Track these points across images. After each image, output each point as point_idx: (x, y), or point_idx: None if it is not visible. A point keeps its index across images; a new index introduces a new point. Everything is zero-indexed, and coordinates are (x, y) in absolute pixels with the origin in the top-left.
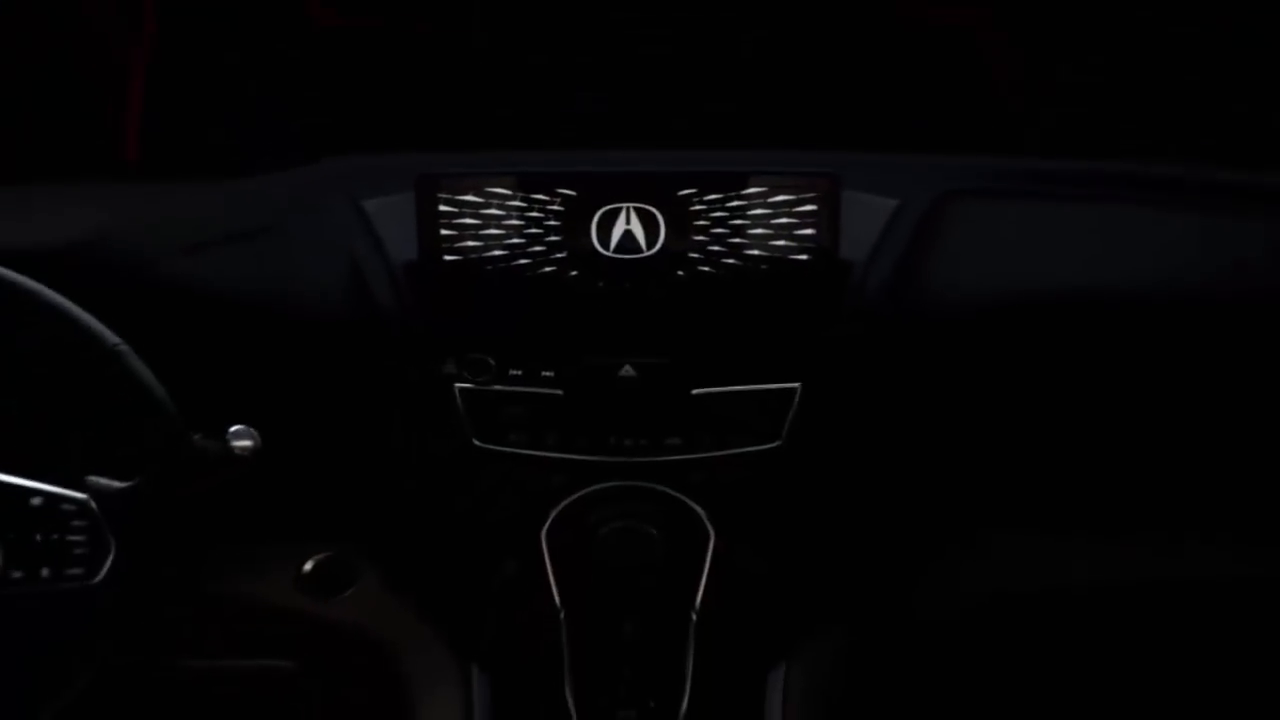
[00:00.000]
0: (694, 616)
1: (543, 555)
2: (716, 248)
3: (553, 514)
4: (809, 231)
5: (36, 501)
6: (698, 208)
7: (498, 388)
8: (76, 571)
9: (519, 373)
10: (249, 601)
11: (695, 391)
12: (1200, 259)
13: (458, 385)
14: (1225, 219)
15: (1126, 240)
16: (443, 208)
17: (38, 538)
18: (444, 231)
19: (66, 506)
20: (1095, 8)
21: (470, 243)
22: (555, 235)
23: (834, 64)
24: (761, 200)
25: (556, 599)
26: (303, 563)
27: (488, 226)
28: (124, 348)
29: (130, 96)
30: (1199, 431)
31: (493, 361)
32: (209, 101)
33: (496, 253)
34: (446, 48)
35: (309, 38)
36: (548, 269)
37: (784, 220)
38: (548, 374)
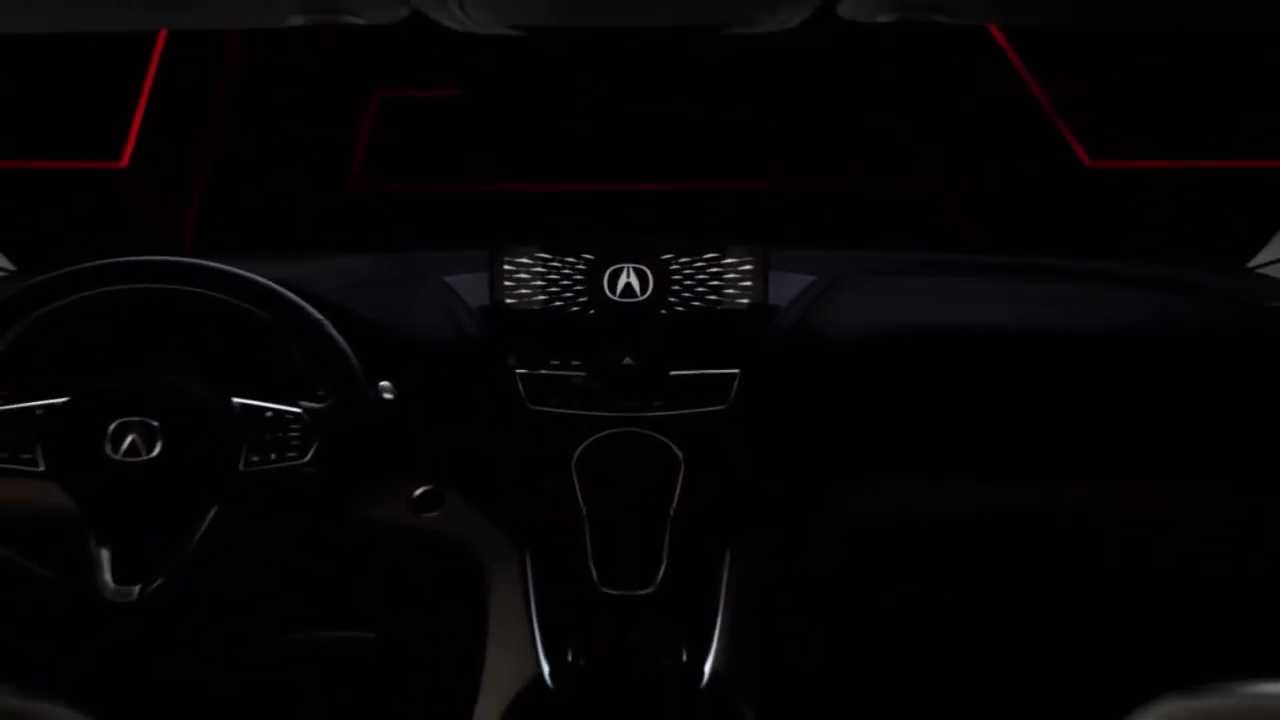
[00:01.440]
0: (670, 514)
1: (572, 476)
2: (687, 294)
3: (579, 449)
4: (748, 284)
5: (269, 414)
6: (675, 267)
7: (543, 371)
8: (293, 455)
9: (557, 363)
10: (379, 518)
11: (672, 373)
12: (1003, 310)
13: (517, 370)
14: (1025, 286)
15: (948, 298)
16: (506, 268)
17: (268, 437)
18: (506, 284)
19: (288, 416)
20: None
21: (523, 290)
22: (579, 285)
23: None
24: (718, 263)
25: (581, 504)
26: (413, 491)
27: (535, 280)
28: (324, 321)
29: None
30: (1011, 416)
31: (539, 356)
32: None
33: (540, 297)
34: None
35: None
36: (574, 308)
37: (732, 276)
38: (576, 363)
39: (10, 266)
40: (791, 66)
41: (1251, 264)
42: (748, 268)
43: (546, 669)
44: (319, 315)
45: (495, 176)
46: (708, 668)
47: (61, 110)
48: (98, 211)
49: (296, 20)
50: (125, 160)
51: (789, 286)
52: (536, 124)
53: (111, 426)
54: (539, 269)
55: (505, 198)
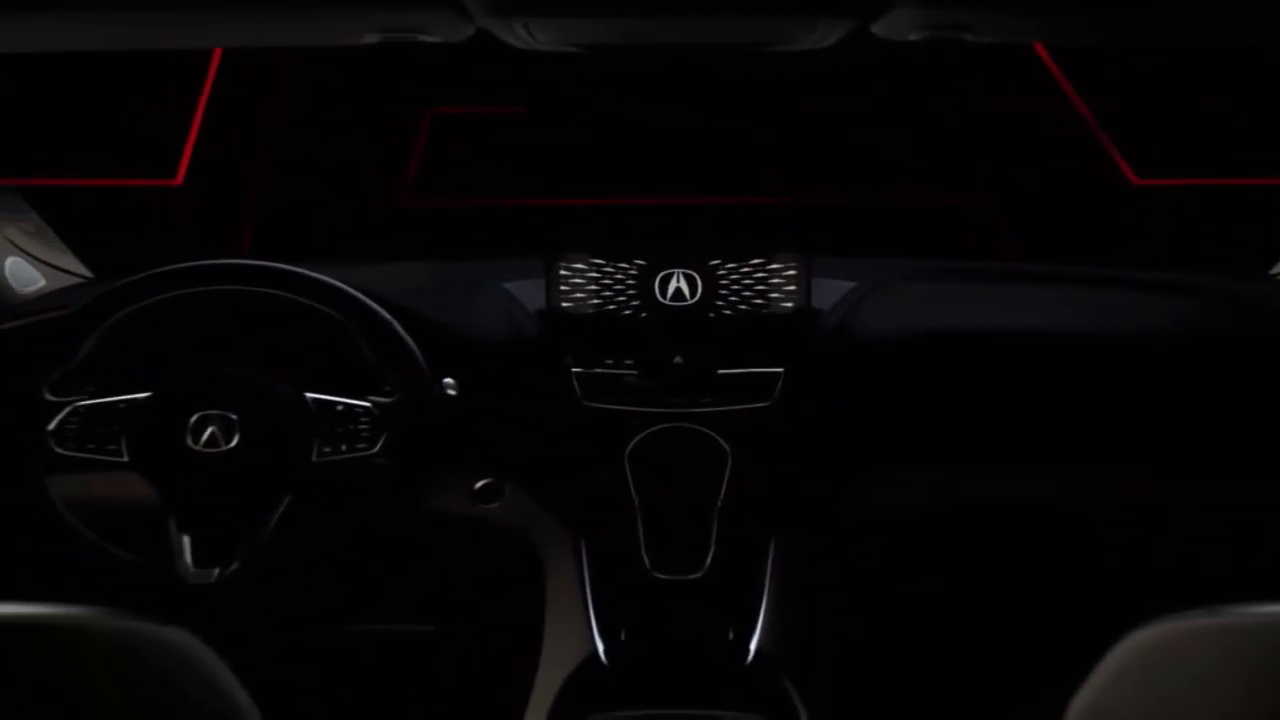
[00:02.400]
0: (718, 504)
1: (625, 469)
2: (734, 298)
3: (631, 443)
4: (792, 289)
5: (340, 408)
6: (722, 273)
7: (597, 370)
8: (362, 446)
9: (611, 362)
10: (441, 509)
11: (720, 372)
12: (1029, 313)
13: (573, 369)
14: (1050, 290)
15: (977, 302)
16: (561, 274)
17: (339, 429)
18: (562, 288)
19: (357, 410)
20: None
21: (578, 295)
22: (632, 289)
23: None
24: (763, 269)
25: (634, 495)
26: (474, 484)
27: (589, 285)
28: (393, 320)
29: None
30: (1038, 413)
31: (594, 356)
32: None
33: (594, 300)
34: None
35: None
36: (627, 311)
37: (777, 281)
38: (628, 363)
39: (87, 273)
40: (836, 84)
41: (1274, 270)
42: (791, 273)
43: (601, 648)
44: (387, 315)
45: (546, 191)
46: (753, 647)
47: (124, 129)
48: (160, 225)
49: (372, 39)
50: (180, 178)
51: (830, 292)
52: (587, 140)
53: (192, 419)
54: (593, 274)
55: (555, 211)
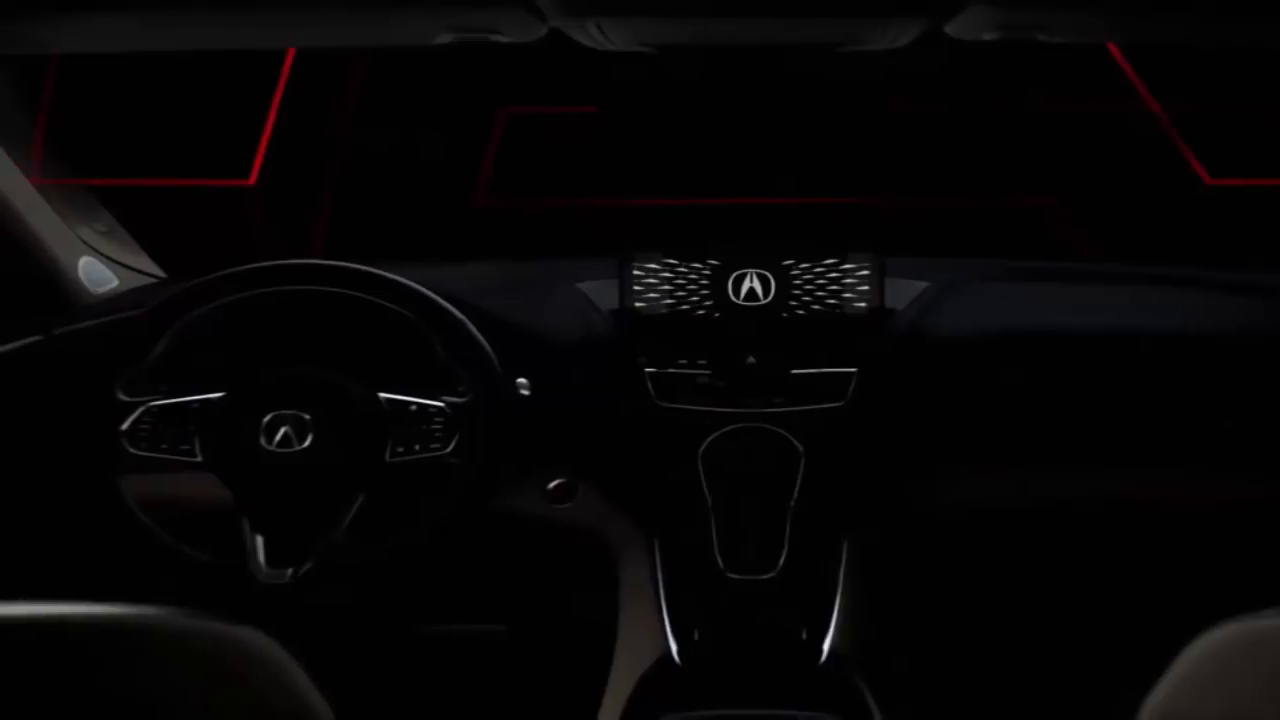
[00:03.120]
0: (790, 504)
1: (698, 469)
2: (807, 298)
3: (705, 443)
4: (865, 289)
5: (413, 408)
6: (795, 273)
7: (671, 370)
8: (435, 446)
9: (684, 362)
10: (514, 509)
11: (793, 372)
12: (1099, 313)
13: (646, 369)
14: (1119, 289)
15: (1048, 302)
16: (635, 274)
17: (413, 429)
18: (635, 288)
19: (431, 410)
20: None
21: (652, 295)
22: (705, 289)
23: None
24: (836, 269)
25: (707, 495)
26: (547, 483)
27: (663, 285)
28: (466, 320)
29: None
30: (1101, 414)
31: (667, 356)
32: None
33: (668, 300)
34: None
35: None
36: (700, 311)
37: (850, 281)
38: (702, 363)
39: (161, 273)
40: (909, 85)
41: None
42: (864, 273)
43: (675, 647)
44: (461, 315)
45: (620, 191)
46: (826, 647)
47: (198, 128)
48: (233, 225)
49: (445, 39)
50: (253, 178)
51: (904, 292)
52: (661, 140)
53: (265, 419)
54: (666, 274)
55: (630, 212)
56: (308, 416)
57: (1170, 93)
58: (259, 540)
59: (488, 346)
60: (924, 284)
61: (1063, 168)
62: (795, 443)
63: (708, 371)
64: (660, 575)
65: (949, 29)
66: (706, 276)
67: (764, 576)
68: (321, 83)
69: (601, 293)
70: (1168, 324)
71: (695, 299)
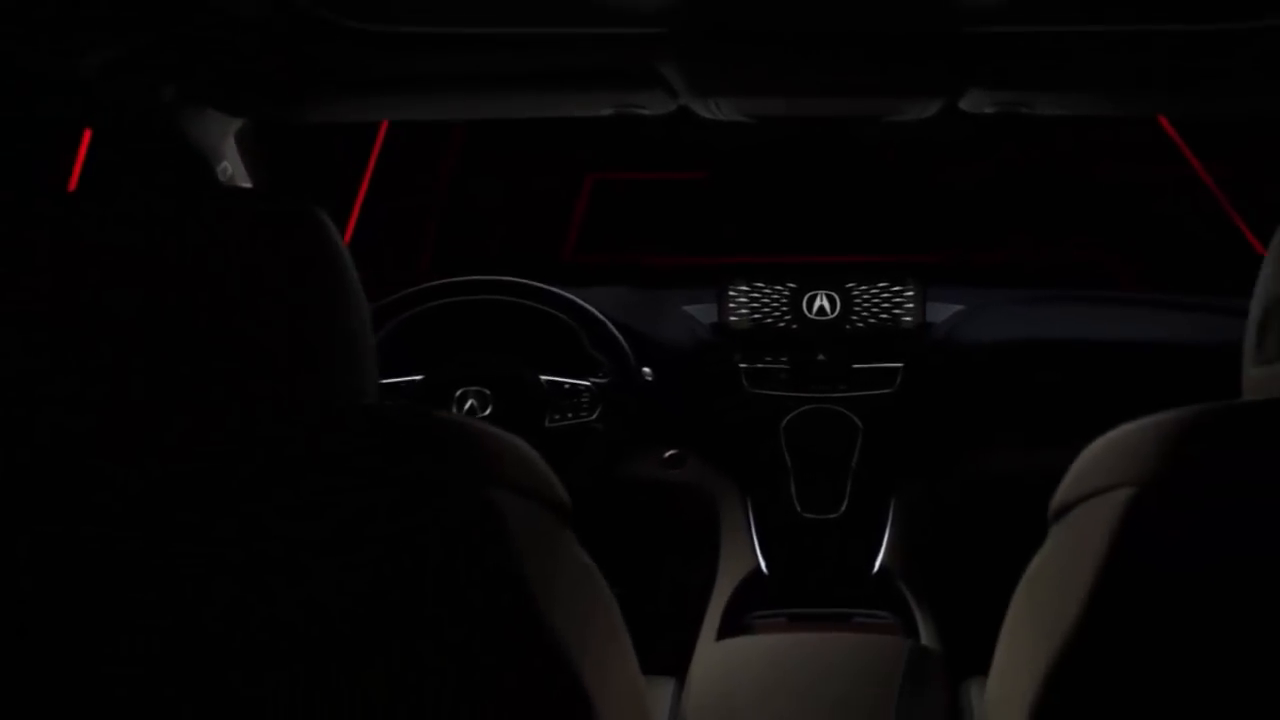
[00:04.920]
0: (852, 465)
1: (780, 439)
2: (865, 313)
3: (785, 420)
4: (911, 307)
5: (566, 386)
6: (856, 294)
7: (759, 365)
8: (584, 415)
9: (769, 359)
10: (638, 475)
11: (853, 366)
12: (1104, 327)
13: (740, 365)
14: (1130, 310)
15: (1061, 319)
16: (730, 294)
17: (567, 403)
18: (730, 306)
19: (580, 388)
20: None
21: (743, 311)
22: (784, 307)
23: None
24: (888, 291)
25: (787, 459)
26: (663, 454)
27: (751, 304)
28: (606, 320)
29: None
30: (1109, 405)
31: (756, 355)
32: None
33: (755, 316)
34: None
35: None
36: (781, 324)
37: (899, 301)
38: (783, 360)
39: None
40: (961, 153)
41: None
42: (910, 293)
43: (764, 564)
44: (602, 316)
45: (697, 250)
46: (877, 564)
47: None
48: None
49: (606, 111)
50: (346, 239)
51: (942, 311)
52: (735, 203)
53: (456, 393)
54: (755, 294)
55: (698, 268)
56: (488, 392)
57: (1223, 161)
58: None
59: (623, 341)
60: (959, 306)
61: (1115, 234)
62: (855, 419)
63: (787, 366)
64: (751, 517)
65: (962, 105)
66: (785, 296)
67: (831, 516)
68: (420, 146)
69: (702, 312)
70: (1173, 336)
71: (777, 314)
